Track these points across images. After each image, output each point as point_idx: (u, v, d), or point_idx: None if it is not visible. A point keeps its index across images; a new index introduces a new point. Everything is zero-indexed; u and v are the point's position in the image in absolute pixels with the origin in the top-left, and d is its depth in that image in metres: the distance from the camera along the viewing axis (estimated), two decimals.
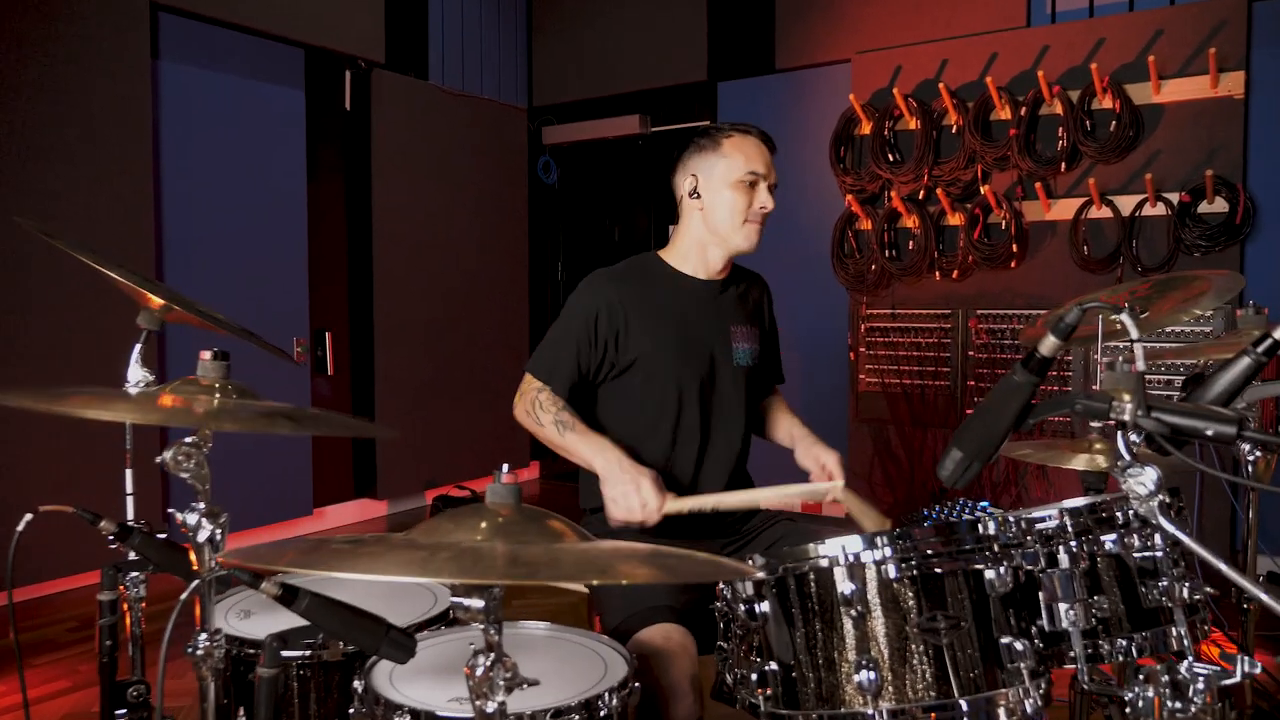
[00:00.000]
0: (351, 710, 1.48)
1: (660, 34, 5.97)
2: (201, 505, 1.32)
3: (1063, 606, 1.20)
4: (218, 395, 1.39)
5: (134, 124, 4.20)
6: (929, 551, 1.17)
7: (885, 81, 5.00)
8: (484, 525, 1.13)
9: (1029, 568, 1.21)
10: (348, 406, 5.53)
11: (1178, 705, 1.13)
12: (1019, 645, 1.15)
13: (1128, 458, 1.21)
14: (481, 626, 1.12)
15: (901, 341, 5.03)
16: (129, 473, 1.64)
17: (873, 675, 1.13)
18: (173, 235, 4.44)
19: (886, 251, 4.99)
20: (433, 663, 1.59)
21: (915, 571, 1.16)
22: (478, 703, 1.14)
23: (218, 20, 4.55)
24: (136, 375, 1.64)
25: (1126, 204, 4.41)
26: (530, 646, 1.65)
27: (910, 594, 1.16)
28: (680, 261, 2.12)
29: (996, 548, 1.19)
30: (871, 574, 1.17)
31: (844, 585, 1.17)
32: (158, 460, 1.31)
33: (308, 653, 1.66)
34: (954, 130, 4.79)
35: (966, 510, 2.67)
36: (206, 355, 1.34)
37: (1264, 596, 1.11)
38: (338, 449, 5.44)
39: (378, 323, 5.51)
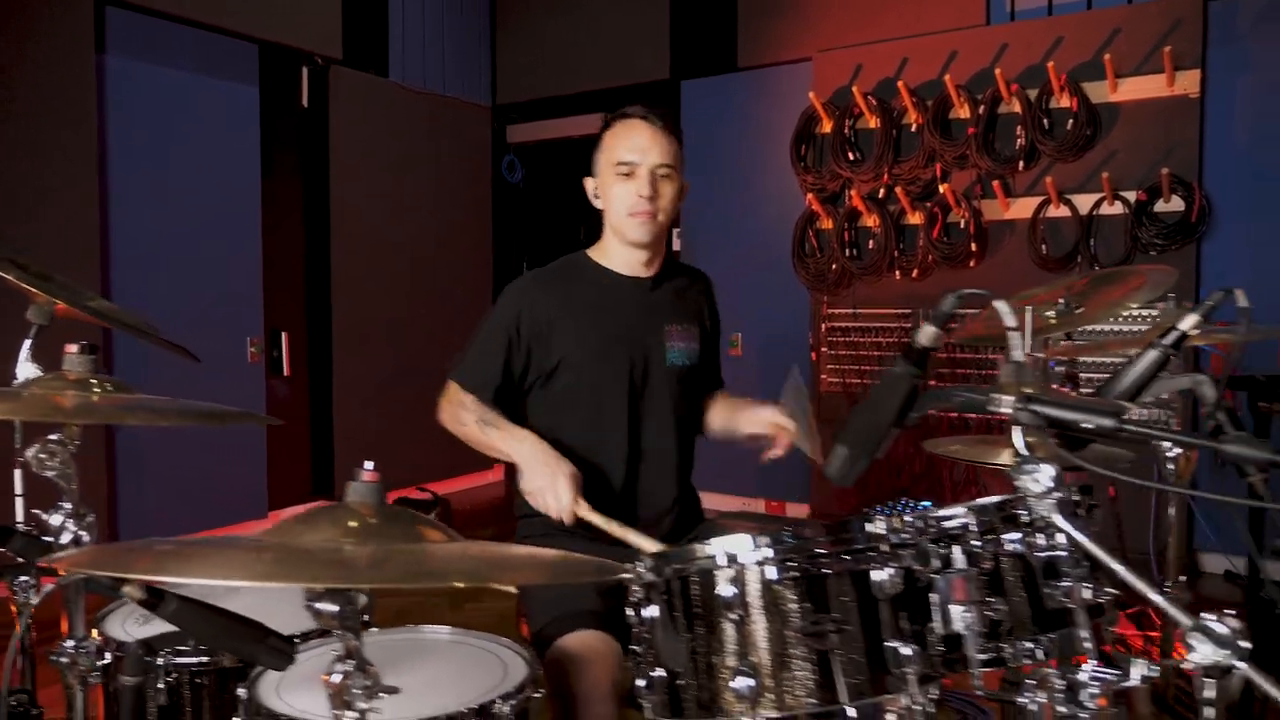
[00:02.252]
0: (237, 719, 1.42)
1: (623, 32, 5.93)
2: (67, 505, 1.25)
3: (956, 609, 1.16)
4: (95, 389, 1.33)
5: (77, 119, 4.11)
6: (814, 552, 1.12)
7: (846, 80, 4.97)
8: (344, 526, 1.08)
9: (919, 568, 1.16)
10: (305, 407, 5.45)
11: (1066, 710, 1.09)
12: (906, 650, 1.10)
13: (1024, 454, 1.17)
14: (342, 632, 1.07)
15: (863, 341, 5.00)
16: (18, 473, 1.57)
17: (751, 682, 1.08)
18: (120, 233, 4.35)
19: (847, 250, 4.96)
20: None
21: (798, 573, 1.12)
22: (336, 712, 1.08)
23: (167, 14, 4.47)
24: (26, 371, 1.56)
25: (1084, 203, 4.40)
26: (431, 651, 1.59)
27: (793, 596, 1.11)
28: (608, 259, 2.05)
29: (886, 548, 1.14)
30: (753, 576, 1.12)
31: (724, 588, 1.12)
32: (24, 457, 1.25)
33: (205, 659, 1.60)
34: (913, 129, 4.76)
35: (908, 510, 2.63)
36: (73, 348, 1.27)
37: (1156, 597, 1.08)
38: (294, 449, 5.36)
39: (336, 323, 5.43)
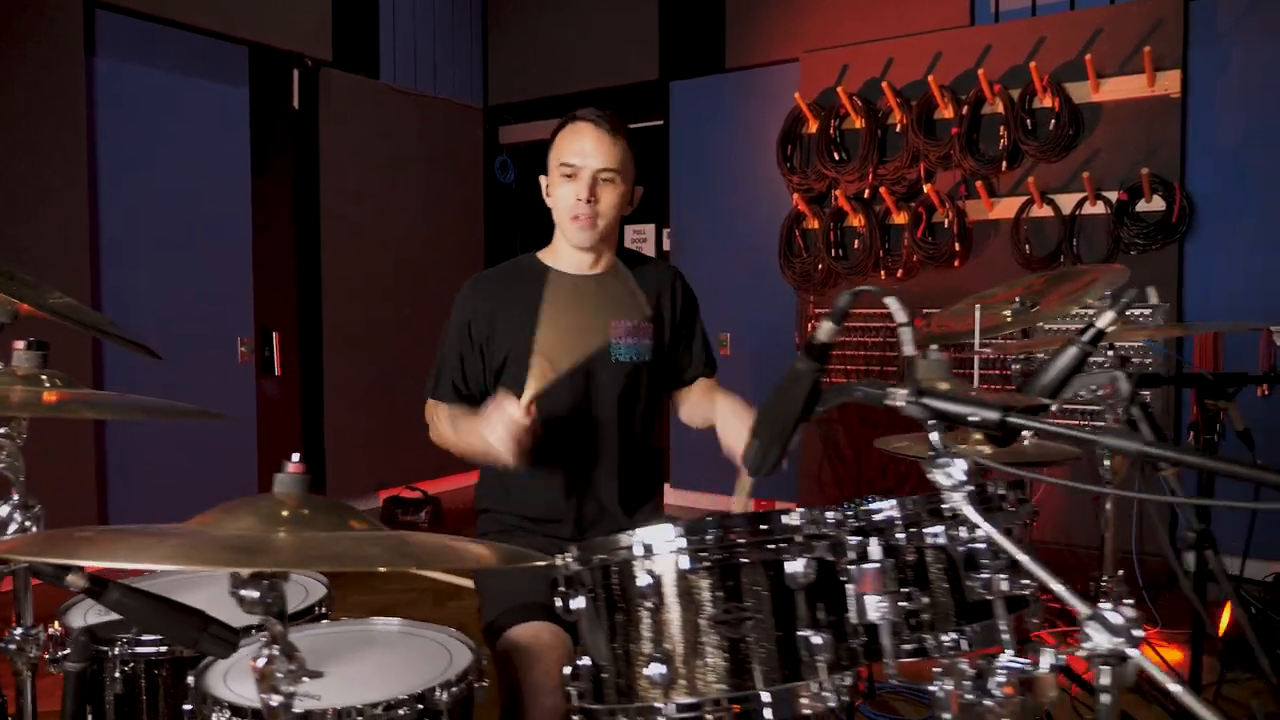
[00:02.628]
0: (187, 706, 1.46)
1: (613, 32, 5.96)
2: (15, 497, 1.29)
3: (870, 599, 1.18)
4: (46, 384, 1.37)
5: (67, 120, 4.16)
6: (728, 543, 1.15)
7: (833, 80, 4.99)
8: (269, 515, 1.11)
9: (831, 559, 1.19)
10: (296, 407, 5.49)
11: (972, 698, 1.12)
12: (817, 639, 1.13)
13: (939, 448, 1.19)
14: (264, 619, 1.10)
15: (849, 341, 5.02)
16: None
17: (663, 669, 1.11)
18: (111, 234, 4.40)
19: (833, 251, 4.98)
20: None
21: (711, 563, 1.14)
22: (263, 696, 1.12)
23: (156, 17, 4.51)
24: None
25: (1067, 202, 4.41)
26: (380, 643, 1.63)
27: (705, 586, 1.14)
28: (555, 259, 2.10)
29: (799, 539, 1.17)
30: (667, 565, 1.15)
31: (641, 577, 1.15)
32: None
33: (163, 649, 1.64)
34: (898, 129, 4.78)
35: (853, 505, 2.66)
36: (20, 345, 1.31)
37: (1057, 587, 1.10)
38: (286, 448, 5.38)
39: (326, 323, 5.47)
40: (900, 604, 1.21)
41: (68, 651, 1.60)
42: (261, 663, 1.10)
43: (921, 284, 4.80)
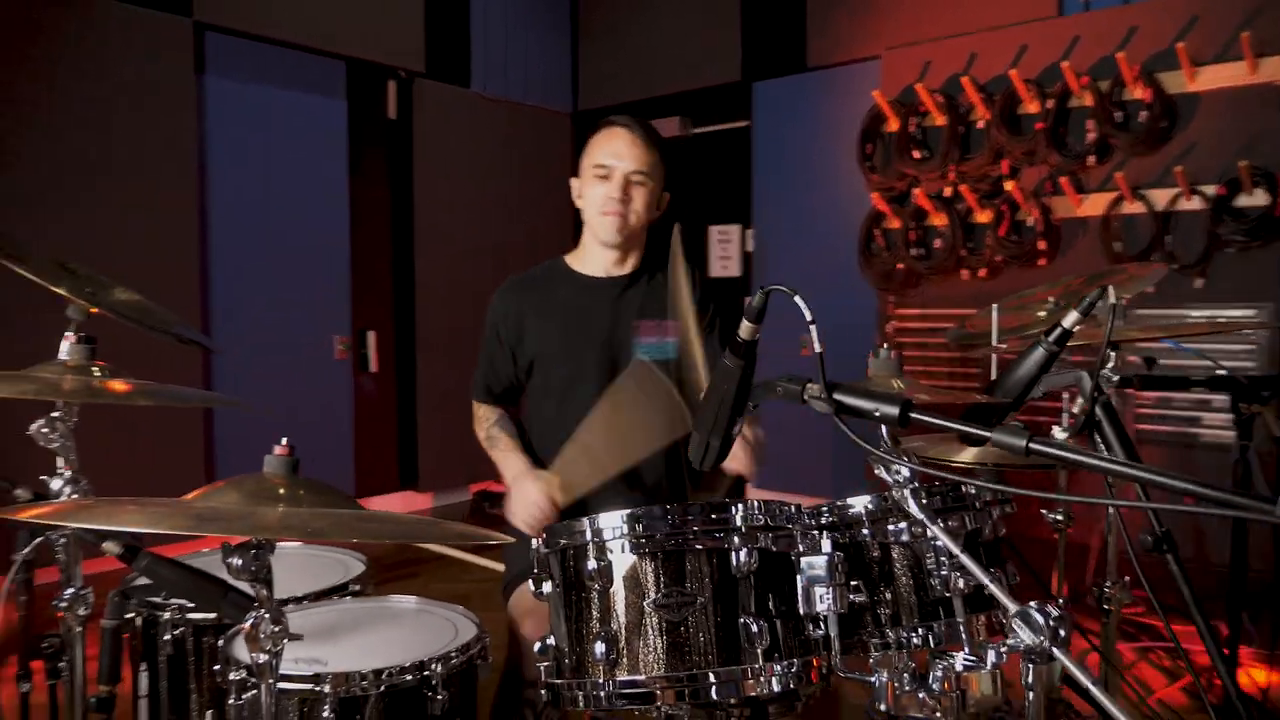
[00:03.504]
0: (217, 667, 1.61)
1: (697, 35, 6.01)
2: (66, 472, 1.46)
3: (818, 590, 1.22)
4: (96, 374, 1.54)
5: (178, 137, 4.51)
6: (673, 531, 1.20)
7: (914, 77, 4.91)
8: (261, 492, 1.23)
9: (777, 550, 1.23)
10: (392, 402, 5.77)
11: (907, 689, 1.14)
12: (755, 626, 1.17)
13: (887, 444, 1.22)
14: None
15: (931, 342, 4.92)
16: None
17: (606, 648, 1.17)
18: (218, 241, 4.75)
19: (914, 250, 4.90)
20: (306, 628, 1.70)
21: (655, 550, 1.20)
22: (252, 655, 1.24)
23: (261, 36, 4.84)
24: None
25: (1160, 198, 4.21)
26: (393, 618, 1.75)
27: (650, 571, 1.20)
28: (581, 263, 2.19)
29: (745, 529, 1.21)
30: (615, 549, 1.21)
31: (590, 561, 1.22)
32: (29, 431, 1.46)
33: (210, 616, 1.80)
34: (980, 126, 4.67)
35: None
36: (70, 338, 1.48)
37: (991, 585, 1.11)
38: (381, 441, 5.69)
39: (419, 323, 5.73)
40: (851, 597, 1.24)
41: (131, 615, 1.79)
42: (249, 624, 1.22)
43: (1006, 283, 4.66)
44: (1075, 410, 1.44)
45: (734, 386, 1.10)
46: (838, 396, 1.02)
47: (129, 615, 1.79)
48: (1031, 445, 0.88)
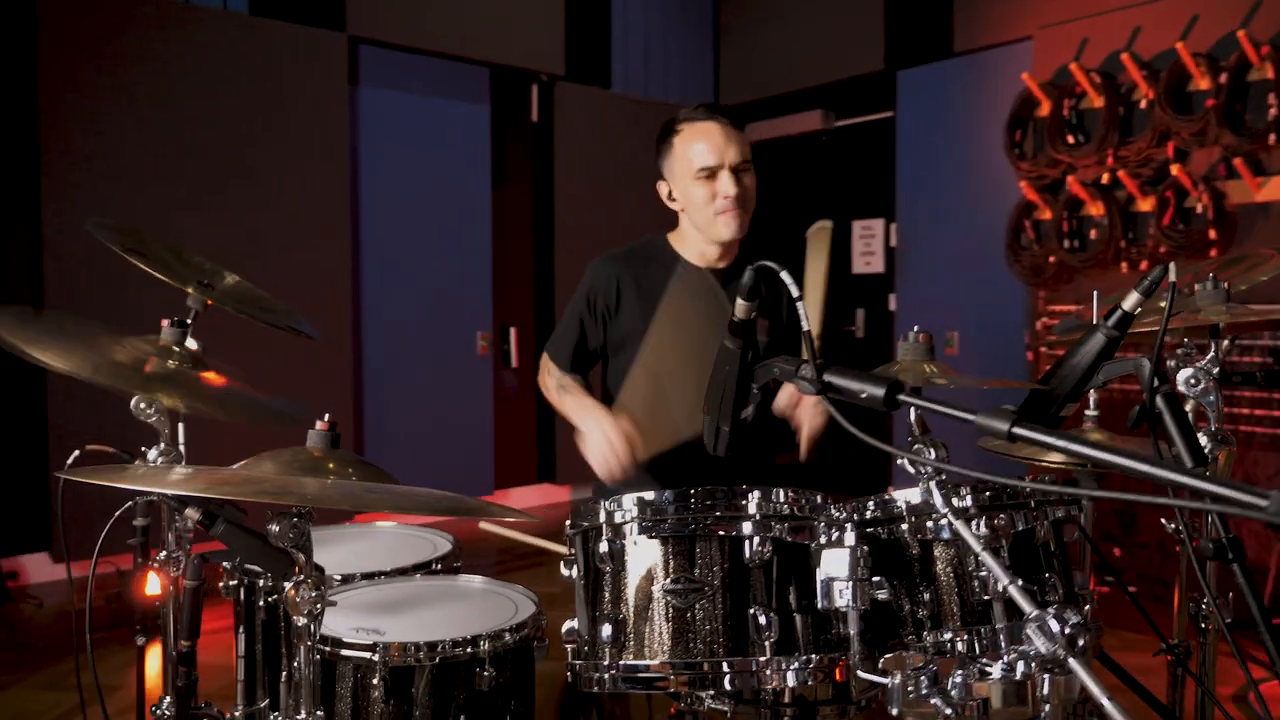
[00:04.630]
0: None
1: (839, 24, 5.86)
2: (162, 445, 1.60)
3: (838, 585, 1.16)
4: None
5: (333, 144, 4.82)
6: (683, 517, 1.18)
7: (1069, 56, 4.58)
8: (301, 463, 1.30)
9: (792, 541, 1.17)
10: (531, 397, 5.94)
11: (915, 693, 1.07)
12: (764, 619, 1.13)
13: (917, 432, 1.15)
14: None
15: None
16: (180, 426, 1.97)
17: (612, 630, 1.16)
18: (369, 241, 5.05)
19: (1067, 242, 4.57)
20: (376, 600, 1.78)
21: (668, 534, 1.18)
22: (295, 618, 1.31)
23: (409, 47, 5.11)
24: (190, 344, 1.96)
25: None
26: (459, 595, 1.80)
27: (660, 556, 1.18)
28: (684, 246, 2.14)
29: (759, 518, 1.17)
30: (627, 533, 1.20)
31: (603, 544, 1.21)
32: (132, 405, 1.61)
33: None
34: (1143, 106, 4.30)
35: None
36: (165, 323, 1.62)
37: (1012, 589, 1.03)
38: (521, 434, 5.88)
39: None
40: (876, 594, 1.17)
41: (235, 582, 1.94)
42: (289, 588, 1.30)
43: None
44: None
45: (735, 368, 1.06)
46: (828, 378, 0.96)
47: (233, 582, 1.94)
48: (1014, 430, 0.80)
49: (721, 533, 1.17)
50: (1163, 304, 1.77)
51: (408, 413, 5.23)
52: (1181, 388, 1.43)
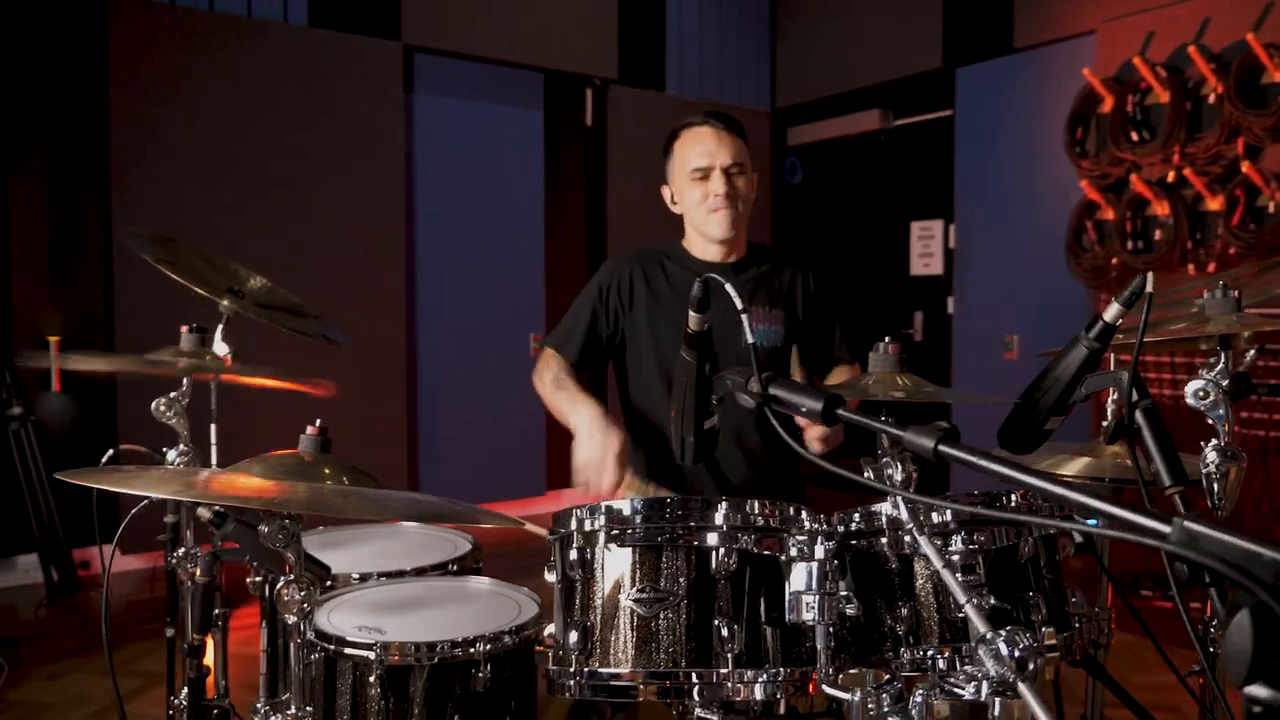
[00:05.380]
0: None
1: (896, 22, 5.76)
2: (181, 446, 1.67)
3: (805, 599, 1.14)
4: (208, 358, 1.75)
5: (388, 151, 4.94)
6: (648, 525, 1.18)
7: (1134, 50, 4.41)
8: (287, 467, 1.34)
9: (759, 553, 1.16)
10: None
11: (884, 712, 1.05)
12: (725, 630, 1.12)
13: (886, 446, 1.13)
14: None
15: (1150, 345, 4.41)
16: (213, 426, 2.06)
17: (578, 637, 1.17)
18: (422, 245, 5.15)
19: (1130, 243, 4.41)
20: (384, 600, 1.83)
21: (635, 543, 1.18)
22: (283, 616, 1.35)
23: (463, 54, 5.20)
24: (220, 349, 2.04)
25: None
26: (466, 597, 1.83)
27: (627, 565, 1.18)
28: (692, 247, 2.19)
29: (726, 529, 1.16)
30: (596, 542, 1.20)
31: (573, 551, 1.22)
32: (152, 408, 1.68)
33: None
34: (1211, 100, 4.12)
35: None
36: (184, 329, 1.68)
37: (967, 607, 1.01)
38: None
39: None
40: (844, 609, 1.16)
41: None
42: (279, 588, 1.34)
43: (1241, 280, 4.08)
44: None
45: (693, 380, 1.06)
46: (772, 390, 0.95)
47: (258, 579, 2.01)
48: (940, 449, 0.78)
49: (688, 543, 1.17)
50: (1160, 318, 1.71)
51: (460, 415, 5.32)
52: (1190, 400, 1.37)
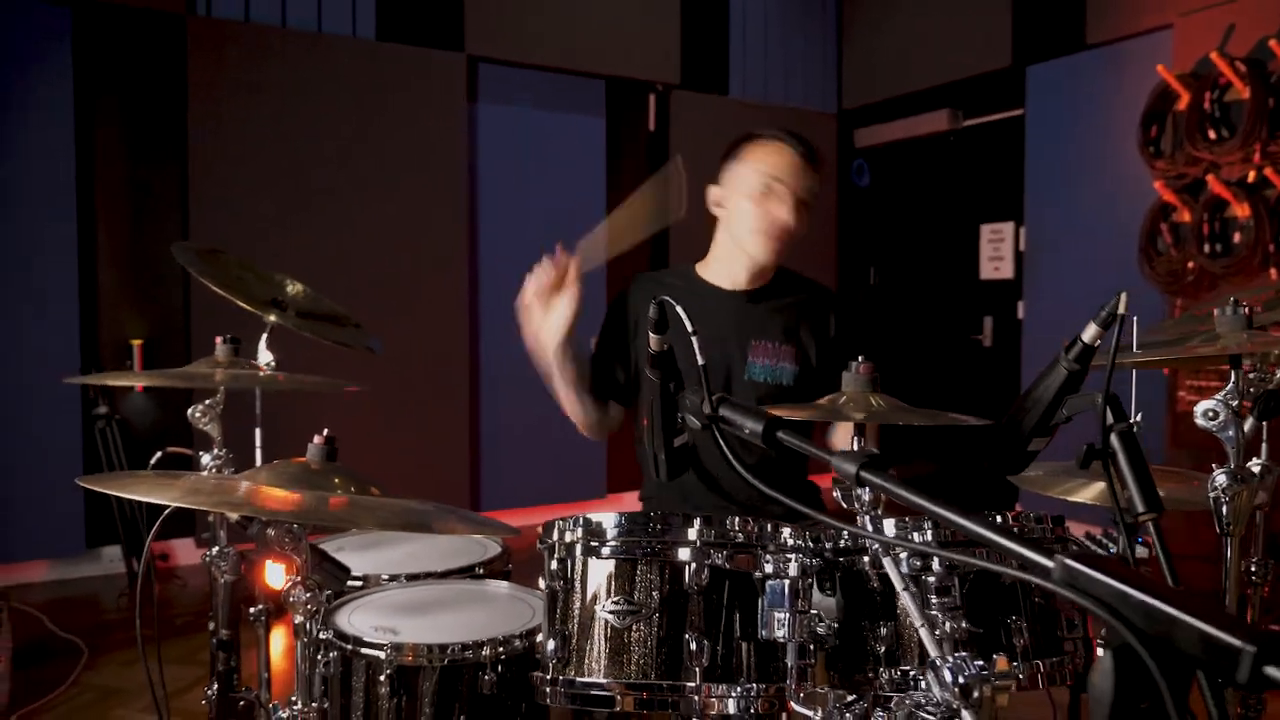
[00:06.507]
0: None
1: (964, 21, 5.63)
2: (216, 450, 1.76)
3: (778, 615, 1.15)
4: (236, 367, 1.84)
5: (452, 160, 5.05)
6: (623, 539, 1.20)
7: (1214, 44, 4.22)
8: (294, 475, 1.41)
9: (732, 569, 1.17)
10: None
11: None
12: (695, 644, 1.13)
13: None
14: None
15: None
16: (258, 430, 2.15)
17: (555, 646, 1.20)
18: (486, 253, 5.25)
19: (1207, 246, 4.22)
20: (405, 602, 1.88)
21: (612, 556, 1.20)
22: (297, 618, 1.42)
23: (526, 64, 5.29)
24: (264, 357, 2.14)
25: None
26: (482, 600, 1.87)
27: (603, 577, 1.20)
28: (709, 272, 2.12)
29: (699, 544, 1.18)
30: (575, 552, 1.23)
31: (554, 562, 1.25)
32: (189, 415, 1.78)
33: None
34: None
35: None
36: (220, 340, 1.77)
37: (922, 630, 1.00)
38: (632, 439, 5.95)
39: None
40: (813, 626, 1.16)
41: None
42: (287, 588, 1.41)
43: None
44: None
45: (658, 399, 1.08)
46: (722, 411, 0.96)
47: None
48: (861, 474, 0.78)
49: (662, 558, 1.19)
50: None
51: (523, 419, 5.41)
52: (1200, 421, 1.33)
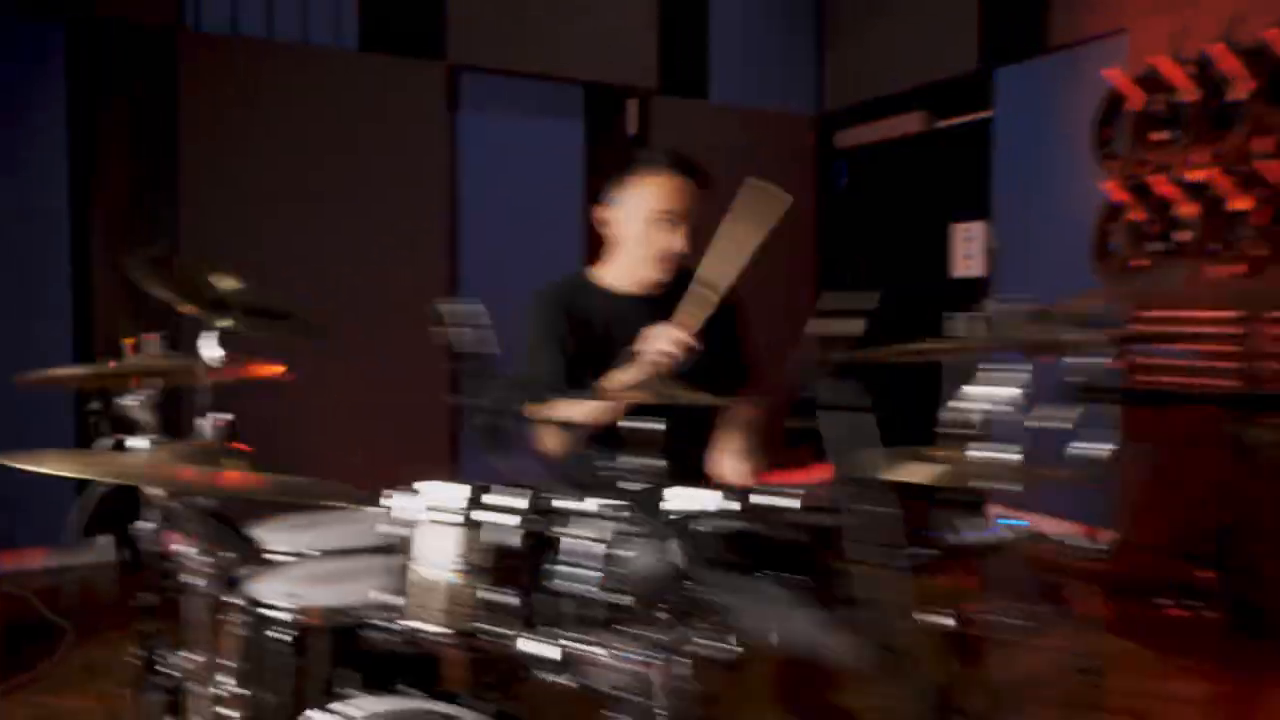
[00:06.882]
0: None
1: (935, 24, 5.75)
2: (151, 436, 1.94)
3: (562, 569, 1.32)
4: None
5: (434, 169, 5.22)
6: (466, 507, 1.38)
7: (1164, 49, 4.31)
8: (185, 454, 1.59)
9: (540, 531, 1.34)
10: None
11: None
12: (514, 598, 1.31)
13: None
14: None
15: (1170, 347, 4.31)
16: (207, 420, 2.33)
17: (403, 601, 1.38)
18: (469, 262, 5.40)
19: (1156, 244, 4.32)
20: (317, 573, 2.03)
21: (448, 522, 1.38)
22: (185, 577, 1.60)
23: (505, 70, 5.45)
24: (212, 353, 2.29)
25: None
26: (385, 572, 2.04)
27: (446, 540, 1.38)
28: (611, 278, 2.28)
29: (521, 511, 1.35)
30: (421, 520, 1.41)
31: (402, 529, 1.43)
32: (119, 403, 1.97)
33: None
34: (1242, 98, 4.00)
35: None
36: (151, 337, 1.96)
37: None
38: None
39: None
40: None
41: None
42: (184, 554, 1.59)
43: (1266, 283, 3.96)
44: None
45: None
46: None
47: None
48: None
49: (487, 522, 1.36)
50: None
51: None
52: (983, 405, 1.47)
